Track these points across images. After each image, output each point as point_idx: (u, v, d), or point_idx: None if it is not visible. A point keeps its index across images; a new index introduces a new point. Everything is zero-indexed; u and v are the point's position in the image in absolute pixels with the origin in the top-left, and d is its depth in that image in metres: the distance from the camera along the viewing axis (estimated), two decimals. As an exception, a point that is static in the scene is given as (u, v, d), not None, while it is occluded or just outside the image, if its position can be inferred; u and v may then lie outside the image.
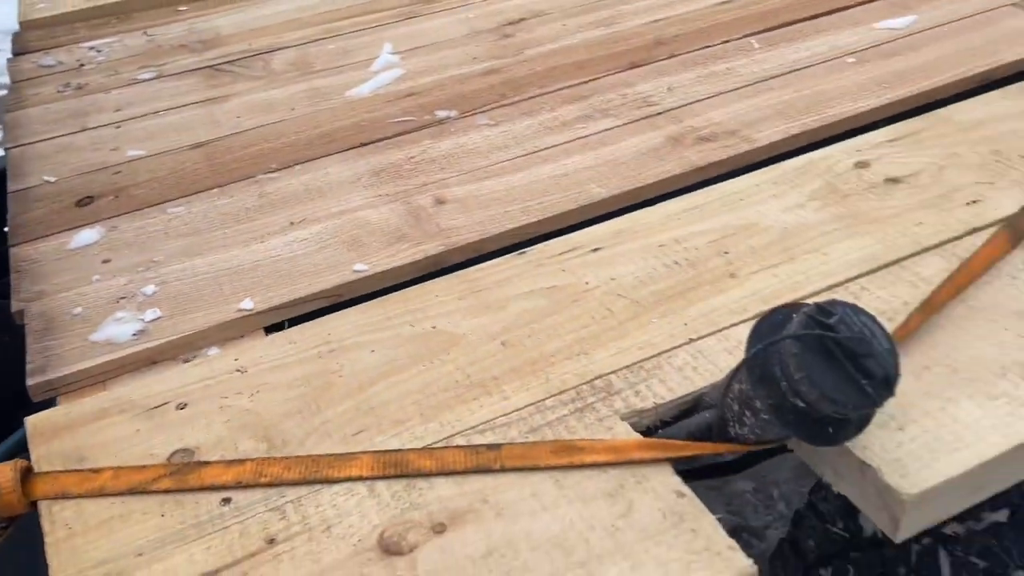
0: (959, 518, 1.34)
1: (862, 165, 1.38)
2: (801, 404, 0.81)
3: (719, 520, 0.85)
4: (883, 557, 1.38)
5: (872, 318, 0.84)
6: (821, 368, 0.79)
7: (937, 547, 1.34)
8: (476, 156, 1.60)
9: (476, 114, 1.75)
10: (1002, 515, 1.28)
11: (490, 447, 0.95)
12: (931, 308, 1.04)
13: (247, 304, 1.26)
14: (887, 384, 0.79)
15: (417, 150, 1.64)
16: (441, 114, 1.76)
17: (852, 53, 1.81)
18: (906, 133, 1.46)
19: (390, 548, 0.85)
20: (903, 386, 0.96)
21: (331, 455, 0.96)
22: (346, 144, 1.69)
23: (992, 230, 1.18)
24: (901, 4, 1.98)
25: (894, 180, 1.33)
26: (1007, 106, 1.49)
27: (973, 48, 1.76)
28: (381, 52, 2.06)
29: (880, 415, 0.93)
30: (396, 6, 2.33)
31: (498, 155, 1.59)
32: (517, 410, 1.01)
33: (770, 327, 0.86)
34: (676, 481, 0.90)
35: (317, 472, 0.94)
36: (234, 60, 2.13)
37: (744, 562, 0.81)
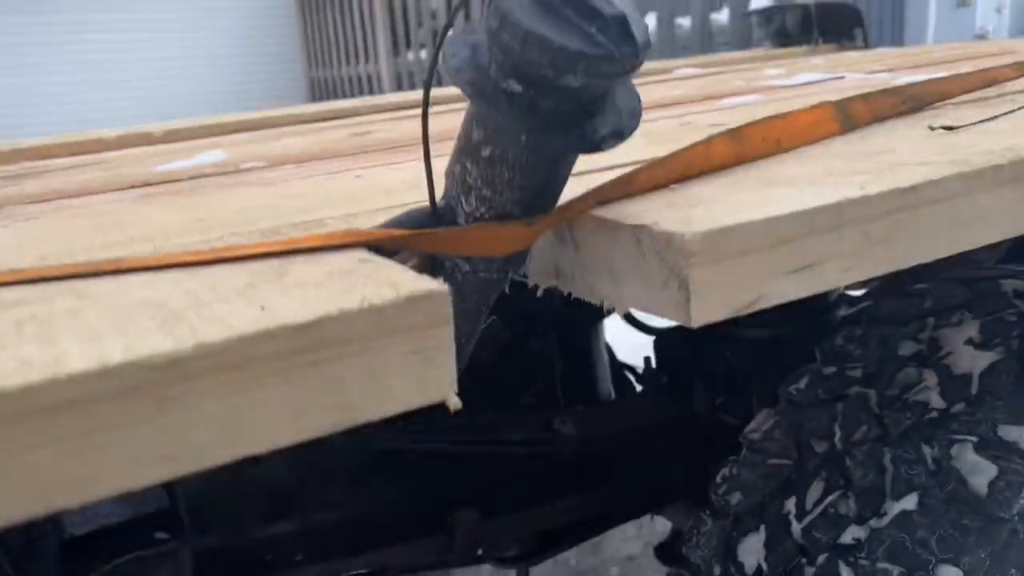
0: (857, 519, 1.01)
1: None
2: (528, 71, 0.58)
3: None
4: (773, 592, 1.02)
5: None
6: (538, 19, 0.58)
7: (836, 561, 0.99)
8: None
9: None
10: (910, 502, 0.97)
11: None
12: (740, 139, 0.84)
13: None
14: (623, 28, 0.57)
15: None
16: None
17: None
18: None
19: None
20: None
21: None
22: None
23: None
24: None
25: None
26: None
27: None
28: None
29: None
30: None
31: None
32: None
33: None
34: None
35: None
36: None
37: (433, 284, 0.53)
